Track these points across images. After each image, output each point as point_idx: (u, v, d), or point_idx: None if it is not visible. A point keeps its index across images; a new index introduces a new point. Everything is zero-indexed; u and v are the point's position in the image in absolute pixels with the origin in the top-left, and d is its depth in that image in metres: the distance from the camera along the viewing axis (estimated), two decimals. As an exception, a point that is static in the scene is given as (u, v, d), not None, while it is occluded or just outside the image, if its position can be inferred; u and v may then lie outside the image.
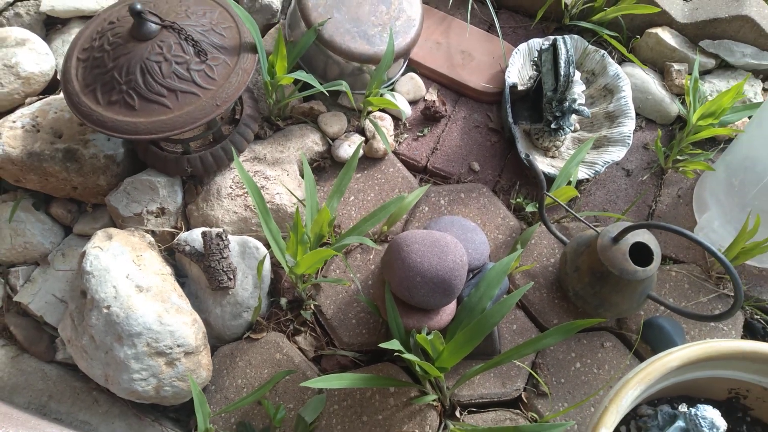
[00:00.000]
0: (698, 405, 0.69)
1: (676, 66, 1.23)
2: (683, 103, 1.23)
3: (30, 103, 1.16)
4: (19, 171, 1.03)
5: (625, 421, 0.82)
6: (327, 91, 1.05)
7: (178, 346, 0.90)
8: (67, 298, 1.03)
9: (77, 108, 0.93)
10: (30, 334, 1.04)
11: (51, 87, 1.21)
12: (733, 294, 1.03)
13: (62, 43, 1.24)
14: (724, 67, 1.25)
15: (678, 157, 1.17)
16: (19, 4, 1.25)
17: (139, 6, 0.90)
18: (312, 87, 1.07)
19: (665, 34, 1.24)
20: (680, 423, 0.70)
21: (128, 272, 0.91)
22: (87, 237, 1.10)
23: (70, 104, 0.95)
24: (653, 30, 1.24)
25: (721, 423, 0.67)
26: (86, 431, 0.96)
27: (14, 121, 1.05)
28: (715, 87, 1.22)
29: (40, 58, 1.16)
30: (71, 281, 1.03)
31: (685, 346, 0.69)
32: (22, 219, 1.08)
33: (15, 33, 1.17)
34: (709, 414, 0.67)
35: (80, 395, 1.00)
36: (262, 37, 1.25)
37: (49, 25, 1.28)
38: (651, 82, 1.22)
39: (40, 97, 1.17)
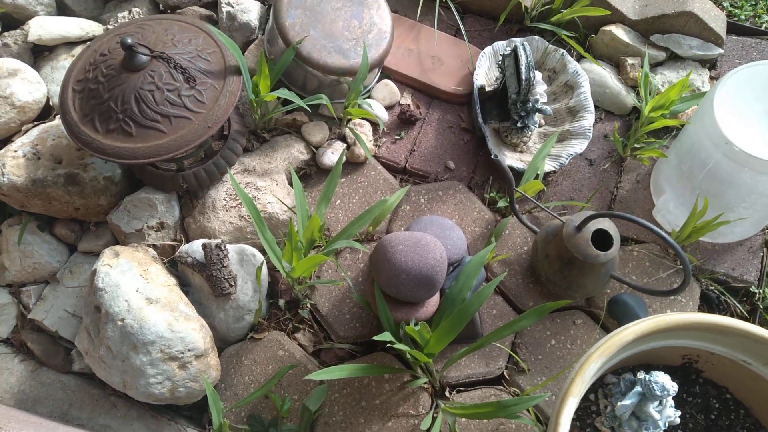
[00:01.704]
0: (652, 371, 0.79)
1: (630, 60, 1.33)
2: (638, 95, 1.32)
3: (26, 131, 1.22)
4: (24, 197, 1.10)
5: (594, 389, 0.93)
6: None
7: (189, 350, 0.98)
8: (80, 313, 1.11)
9: (78, 137, 1.00)
10: (46, 348, 1.11)
11: (44, 113, 1.27)
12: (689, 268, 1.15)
13: (51, 69, 1.30)
14: (674, 58, 1.35)
15: (635, 146, 1.27)
16: (6, 34, 1.30)
17: (129, 40, 0.96)
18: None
19: (619, 31, 1.33)
20: (638, 388, 0.81)
21: (137, 286, 0.99)
22: (91, 254, 1.17)
23: (70, 134, 1.02)
24: (607, 27, 1.34)
25: (671, 385, 0.78)
26: (108, 434, 1.05)
27: (16, 151, 1.11)
28: (666, 78, 1.32)
29: (32, 86, 1.22)
30: (84, 297, 1.11)
31: (637, 321, 0.79)
32: (29, 241, 1.14)
33: (6, 64, 1.22)
34: (660, 379, 0.78)
35: (99, 401, 1.08)
36: (243, 53, 1.31)
37: (37, 53, 1.33)
38: (608, 76, 1.32)
39: (35, 123, 1.23)
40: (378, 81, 1.34)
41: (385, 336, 0.90)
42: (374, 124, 1.29)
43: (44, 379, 1.10)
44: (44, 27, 1.28)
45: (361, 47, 1.19)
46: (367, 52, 1.17)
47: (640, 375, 0.81)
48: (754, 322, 1.15)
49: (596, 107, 1.33)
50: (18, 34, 1.30)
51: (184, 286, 1.12)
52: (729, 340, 0.83)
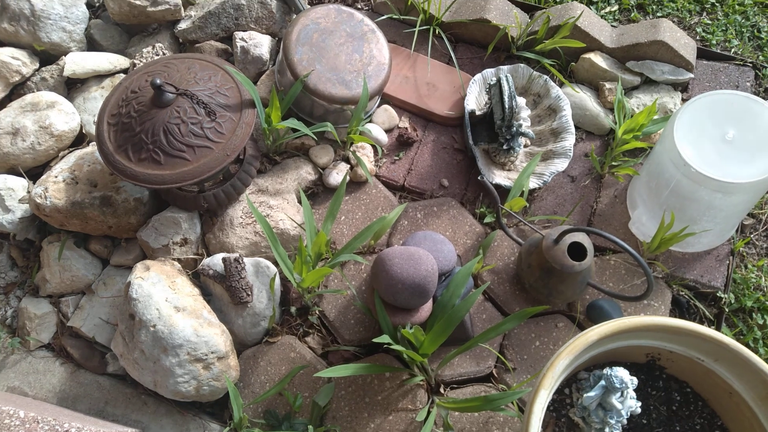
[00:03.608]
0: (613, 367, 0.92)
1: (608, 84, 1.45)
2: (615, 117, 1.45)
3: (62, 156, 1.36)
4: (64, 218, 1.24)
5: (569, 384, 1.05)
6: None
7: (212, 352, 1.12)
8: (114, 320, 1.25)
9: (113, 165, 1.14)
10: (84, 352, 1.25)
11: (77, 140, 1.41)
12: (651, 278, 1.27)
13: (83, 100, 1.44)
14: (648, 82, 1.48)
15: (612, 164, 1.39)
16: (43, 69, 1.44)
17: (158, 81, 1.10)
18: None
19: (597, 58, 1.46)
20: (602, 382, 0.93)
21: (167, 296, 1.13)
22: (123, 267, 1.31)
23: (106, 162, 1.15)
24: (587, 55, 1.47)
25: (629, 379, 0.90)
26: (140, 428, 1.18)
27: (56, 176, 1.25)
28: (641, 101, 1.45)
29: (68, 117, 1.36)
30: (117, 306, 1.25)
31: (601, 324, 0.92)
32: (67, 256, 1.28)
33: (45, 97, 1.37)
34: (620, 373, 0.90)
35: (131, 399, 1.21)
36: (256, 83, 1.45)
37: (70, 85, 1.47)
38: (587, 99, 1.45)
39: (70, 149, 1.38)
40: (378, 106, 1.47)
41: (384, 338, 1.03)
42: (375, 147, 1.43)
43: (82, 379, 1.23)
44: (77, 62, 1.42)
45: (362, 78, 1.33)
46: (367, 84, 1.30)
47: (605, 370, 0.94)
48: (720, 325, 1.27)
49: (577, 128, 1.46)
50: (54, 69, 1.44)
51: (206, 295, 1.25)
52: (682, 339, 0.95)
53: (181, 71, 1.20)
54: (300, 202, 1.35)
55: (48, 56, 1.47)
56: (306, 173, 1.37)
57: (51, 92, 1.39)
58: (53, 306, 1.28)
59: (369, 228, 1.20)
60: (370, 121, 1.45)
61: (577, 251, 1.17)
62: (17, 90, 1.44)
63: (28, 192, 1.31)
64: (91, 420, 1.09)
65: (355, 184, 1.39)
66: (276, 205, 1.31)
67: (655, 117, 1.36)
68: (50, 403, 1.19)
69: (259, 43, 1.44)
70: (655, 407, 1.03)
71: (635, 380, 0.92)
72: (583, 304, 1.28)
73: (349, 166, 1.39)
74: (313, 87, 1.30)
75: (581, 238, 1.15)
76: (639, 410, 0.95)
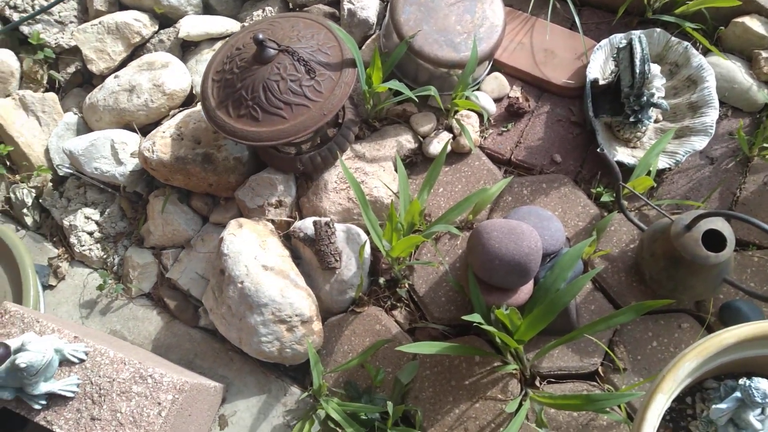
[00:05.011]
0: (753, 378, 0.75)
1: (764, 54, 1.23)
2: (772, 90, 1.23)
3: (173, 115, 1.40)
4: (169, 172, 1.27)
5: (692, 393, 0.89)
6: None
7: (296, 315, 1.09)
8: (208, 276, 1.26)
9: (214, 121, 1.14)
10: (179, 304, 1.28)
11: (188, 100, 1.45)
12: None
13: (195, 62, 1.47)
14: (819, 51, 1.23)
15: (764, 145, 1.18)
16: (162, 32, 1.50)
17: (261, 36, 1.08)
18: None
19: (753, 22, 1.24)
20: (737, 394, 0.77)
21: (256, 254, 1.11)
22: (221, 225, 1.32)
23: (207, 117, 1.16)
24: (740, 19, 1.25)
25: (774, 393, 0.74)
26: (225, 383, 1.19)
27: (164, 132, 1.28)
28: (807, 72, 1.21)
29: (180, 76, 1.40)
30: (211, 261, 1.26)
31: (741, 325, 0.76)
32: (170, 210, 1.32)
33: (160, 57, 1.41)
34: (763, 386, 0.74)
35: (219, 354, 1.22)
36: (361, 47, 1.40)
37: (185, 48, 1.52)
38: (737, 70, 1.24)
39: (181, 109, 1.41)
40: (488, 74, 1.36)
41: (475, 317, 0.94)
42: (481, 116, 1.32)
43: (176, 330, 1.26)
44: (192, 25, 1.45)
45: (471, 41, 1.23)
46: (477, 46, 1.20)
47: (742, 381, 0.77)
48: None
49: (722, 103, 1.26)
50: (171, 32, 1.49)
51: (296, 258, 1.22)
52: None
53: (285, 29, 1.17)
54: (397, 170, 1.28)
55: (167, 19, 1.52)
56: (406, 141, 1.29)
57: (166, 53, 1.44)
58: (155, 257, 1.33)
59: (468, 200, 1.10)
60: (479, 89, 1.35)
61: (713, 241, 1.00)
62: (137, 52, 1.50)
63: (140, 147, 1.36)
64: (176, 368, 1.11)
65: (456, 155, 1.30)
66: (372, 172, 1.25)
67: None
68: (145, 349, 1.23)
69: (366, 5, 1.39)
70: (804, 434, 0.85)
71: (781, 396, 0.75)
72: (716, 304, 1.09)
73: (451, 135, 1.30)
74: (418, 48, 1.22)
75: (720, 225, 0.97)
76: (783, 434, 0.78)
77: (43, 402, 0.92)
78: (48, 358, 0.89)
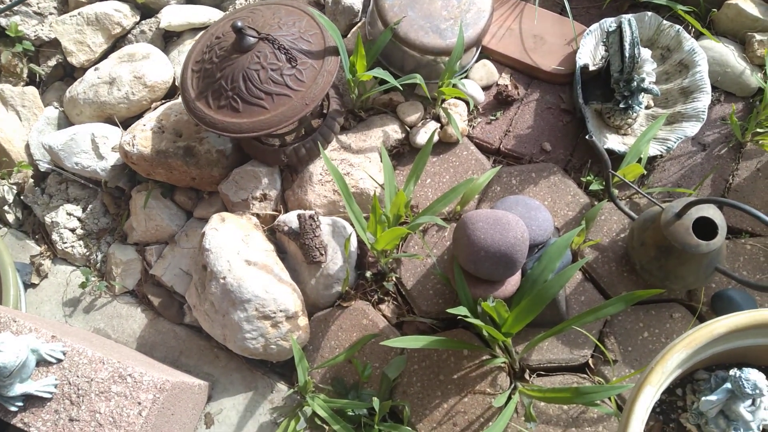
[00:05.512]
0: (744, 368, 0.73)
1: (758, 36, 1.20)
2: (764, 74, 1.20)
3: (155, 108, 1.37)
4: (150, 166, 1.24)
5: (682, 384, 0.87)
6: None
7: (281, 311, 1.06)
8: (191, 271, 1.24)
9: (193, 112, 1.11)
10: (163, 301, 1.26)
11: (171, 92, 1.42)
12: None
13: (178, 53, 1.44)
14: (813, 33, 1.21)
15: (758, 130, 1.16)
16: (143, 22, 1.46)
17: (239, 23, 1.05)
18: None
19: (747, 4, 1.21)
20: (727, 385, 0.75)
21: (239, 249, 1.09)
22: (205, 220, 1.29)
23: (187, 109, 1.13)
24: (733, 1, 1.22)
25: (765, 385, 0.72)
26: (210, 381, 1.16)
27: (144, 125, 1.25)
28: (801, 55, 1.19)
29: (161, 68, 1.36)
30: (194, 257, 1.23)
31: (732, 314, 0.74)
32: (153, 206, 1.29)
33: (141, 48, 1.38)
34: (753, 377, 0.72)
35: (204, 352, 1.20)
36: (346, 36, 1.37)
37: (167, 38, 1.48)
38: (730, 54, 1.21)
39: (163, 101, 1.38)
40: (476, 61, 1.33)
41: (460, 310, 0.91)
42: (469, 104, 1.29)
43: (160, 328, 1.24)
44: (174, 15, 1.42)
45: (458, 27, 1.20)
46: (464, 32, 1.17)
47: (732, 372, 0.75)
48: None
49: (714, 88, 1.23)
50: (153, 22, 1.45)
51: (281, 253, 1.20)
52: (844, 344, 0.74)
53: (266, 16, 1.14)
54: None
55: (149, 9, 1.49)
56: (392, 131, 1.27)
57: (147, 44, 1.41)
58: (138, 254, 1.30)
59: (455, 190, 1.08)
60: (466, 77, 1.32)
61: (704, 229, 0.98)
62: (119, 43, 1.47)
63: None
64: (160, 367, 1.09)
65: (444, 144, 1.27)
66: (358, 163, 1.22)
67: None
68: (129, 347, 1.21)
69: (351, -8, 1.36)
70: (797, 425, 0.83)
71: (772, 387, 0.73)
72: (708, 293, 1.07)
73: (438, 125, 1.27)
74: (403, 35, 1.19)
75: (711, 212, 0.95)
76: (775, 425, 0.76)
77: (20, 404, 0.90)
78: (22, 359, 0.87)
